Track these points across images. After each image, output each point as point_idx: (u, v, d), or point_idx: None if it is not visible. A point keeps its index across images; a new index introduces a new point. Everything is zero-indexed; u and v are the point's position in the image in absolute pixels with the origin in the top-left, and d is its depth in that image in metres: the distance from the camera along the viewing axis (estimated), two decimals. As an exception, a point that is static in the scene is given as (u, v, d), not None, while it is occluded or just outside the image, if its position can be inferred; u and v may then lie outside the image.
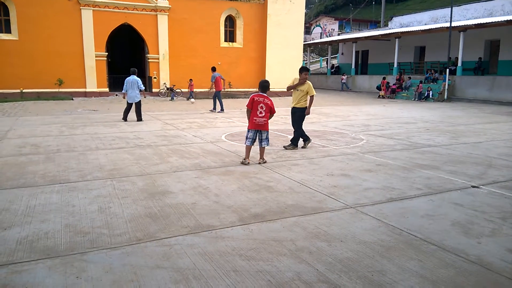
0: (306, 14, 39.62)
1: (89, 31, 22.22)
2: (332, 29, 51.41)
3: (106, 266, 3.12)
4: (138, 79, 12.60)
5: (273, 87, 26.74)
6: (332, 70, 38.06)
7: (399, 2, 57.72)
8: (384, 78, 26.46)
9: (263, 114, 6.54)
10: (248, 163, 6.54)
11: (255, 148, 6.92)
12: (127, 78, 12.57)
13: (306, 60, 41.73)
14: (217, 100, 16.01)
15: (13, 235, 3.69)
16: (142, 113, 12.88)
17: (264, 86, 6.71)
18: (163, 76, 24.33)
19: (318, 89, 34.01)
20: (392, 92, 25.60)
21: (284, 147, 8.15)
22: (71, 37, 21.91)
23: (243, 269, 3.09)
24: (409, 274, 3.05)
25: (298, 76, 8.00)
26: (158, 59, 24.10)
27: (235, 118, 13.82)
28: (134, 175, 5.89)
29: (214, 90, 16.04)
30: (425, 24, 29.97)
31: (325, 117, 14.42)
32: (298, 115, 7.97)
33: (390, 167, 6.53)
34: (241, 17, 26.07)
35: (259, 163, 6.63)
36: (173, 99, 22.43)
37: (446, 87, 23.04)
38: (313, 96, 7.89)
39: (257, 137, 6.66)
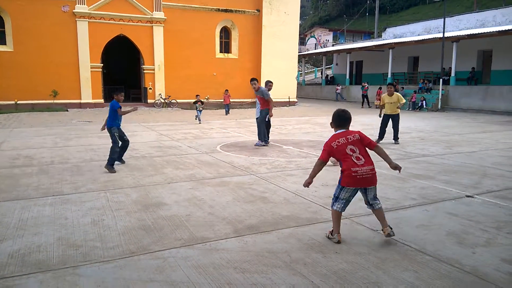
0: (300, 25, 40.02)
1: (85, 43, 22.27)
2: (326, 40, 51.86)
3: (99, 280, 3.08)
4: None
5: (268, 98, 26.70)
6: (327, 81, 38.29)
7: (393, 13, 58.42)
8: (380, 88, 26.61)
9: (364, 160, 3.81)
10: (339, 241, 3.87)
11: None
12: None
13: (301, 71, 42.01)
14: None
15: (5, 249, 3.64)
16: (138, 124, 12.83)
17: (346, 118, 4.05)
18: (159, 87, 24.36)
19: (313, 100, 34.21)
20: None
21: (395, 142, 10.35)
22: (66, 48, 21.94)
23: (238, 282, 3.06)
24: (405, 286, 3.03)
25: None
26: (154, 70, 24.15)
27: (230, 128, 13.82)
28: (128, 186, 5.86)
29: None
30: (419, 35, 30.31)
31: (321, 127, 14.46)
32: (397, 120, 10.41)
33: (384, 177, 6.53)
34: (236, 29, 26.26)
35: (387, 234, 3.86)
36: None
37: (440, 97, 23.23)
38: (403, 103, 10.52)
39: (365, 196, 3.97)
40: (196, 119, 15.77)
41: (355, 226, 4.30)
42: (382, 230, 3.90)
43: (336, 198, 3.97)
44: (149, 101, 24.21)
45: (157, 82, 24.33)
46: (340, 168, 3.92)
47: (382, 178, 6.47)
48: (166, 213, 4.64)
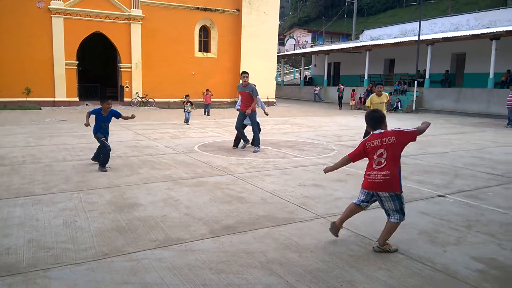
0: (280, 26, 40.14)
1: (60, 39, 21.75)
2: (305, 41, 52.23)
3: (70, 283, 3.01)
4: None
5: (247, 98, 26.64)
6: (306, 81, 38.58)
7: (370, 16, 59.30)
8: (353, 90, 27.05)
9: (383, 164, 3.67)
10: (339, 229, 3.97)
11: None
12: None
13: (280, 71, 42.18)
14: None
15: (-29, 252, 3.52)
16: (113, 122, 12.49)
17: (379, 118, 3.92)
18: (136, 86, 24.02)
19: (292, 100, 34.39)
20: (363, 103, 26.16)
21: None
22: (41, 45, 21.37)
23: (213, 283, 3.05)
24: (378, 284, 3.08)
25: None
26: (131, 68, 23.80)
27: (208, 128, 13.75)
28: (102, 187, 5.74)
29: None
30: (395, 37, 30.86)
31: (298, 127, 14.56)
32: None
33: (360, 177, 6.55)
34: (215, 28, 26.16)
35: (373, 246, 3.76)
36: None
37: (414, 99, 23.74)
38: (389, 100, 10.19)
39: (381, 205, 3.78)
40: (184, 122, 14.68)
41: (331, 225, 4.33)
42: (379, 244, 3.70)
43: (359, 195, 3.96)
44: (125, 99, 23.84)
45: (134, 81, 23.99)
46: None
47: (357, 178, 6.55)
48: (141, 214, 4.57)
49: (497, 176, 7.02)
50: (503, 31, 20.90)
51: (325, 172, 4.16)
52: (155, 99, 23.88)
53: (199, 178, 6.42)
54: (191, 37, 25.44)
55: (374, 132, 3.86)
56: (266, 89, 26.98)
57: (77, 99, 22.91)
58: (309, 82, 38.58)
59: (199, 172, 6.86)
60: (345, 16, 55.80)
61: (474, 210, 4.98)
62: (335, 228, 3.94)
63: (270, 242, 3.86)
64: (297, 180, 6.38)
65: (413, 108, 23.64)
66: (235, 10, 26.30)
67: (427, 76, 24.76)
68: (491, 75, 21.53)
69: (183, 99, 15.45)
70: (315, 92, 32.87)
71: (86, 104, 22.74)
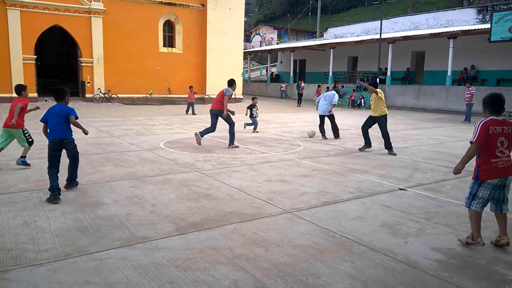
0: (246, 22, 40.15)
1: (16, 33, 20.81)
2: (271, 37, 52.45)
3: (31, 285, 2.91)
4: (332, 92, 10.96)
5: (213, 94, 26.52)
6: (272, 78, 38.79)
7: (334, 14, 60.26)
8: (319, 86, 27.45)
9: (507, 153, 3.63)
10: (484, 244, 3.67)
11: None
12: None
13: (247, 68, 42.17)
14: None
15: None
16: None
17: (503, 103, 3.71)
18: (98, 81, 23.35)
19: (259, 96, 34.41)
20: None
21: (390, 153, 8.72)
22: (-5, 38, 20.37)
23: (179, 281, 3.02)
24: (342, 276, 3.16)
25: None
26: (92, 63, 23.10)
27: (174, 125, 13.58)
28: (63, 186, 5.55)
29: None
30: (358, 36, 31.54)
31: (265, 123, 14.63)
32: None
33: (325, 172, 6.75)
34: (180, 22, 25.80)
35: (506, 242, 3.71)
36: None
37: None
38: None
39: (501, 194, 3.71)
40: (254, 129, 12.54)
41: (296, 219, 4.40)
42: (500, 238, 3.72)
43: (473, 197, 3.66)
44: (87, 95, 23.15)
45: (96, 76, 23.31)
46: (477, 160, 3.64)
47: (323, 173, 6.70)
48: (105, 213, 4.47)
49: (454, 169, 7.33)
50: (459, 30, 21.82)
51: (455, 173, 3.74)
52: (119, 95, 23.30)
53: (165, 175, 6.34)
54: (155, 32, 24.98)
55: (495, 118, 3.61)
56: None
57: (36, 95, 22.01)
58: (275, 78, 38.80)
59: (165, 169, 6.77)
60: (310, 14, 56.44)
61: (433, 203, 5.19)
62: (478, 244, 3.67)
63: (237, 238, 3.87)
64: (264, 176, 6.42)
65: (376, 104, 24.26)
66: (200, 5, 26.03)
67: (388, 74, 25.49)
68: (449, 73, 22.43)
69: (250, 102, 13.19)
70: (281, 89, 33.10)
71: (46, 100, 21.87)
